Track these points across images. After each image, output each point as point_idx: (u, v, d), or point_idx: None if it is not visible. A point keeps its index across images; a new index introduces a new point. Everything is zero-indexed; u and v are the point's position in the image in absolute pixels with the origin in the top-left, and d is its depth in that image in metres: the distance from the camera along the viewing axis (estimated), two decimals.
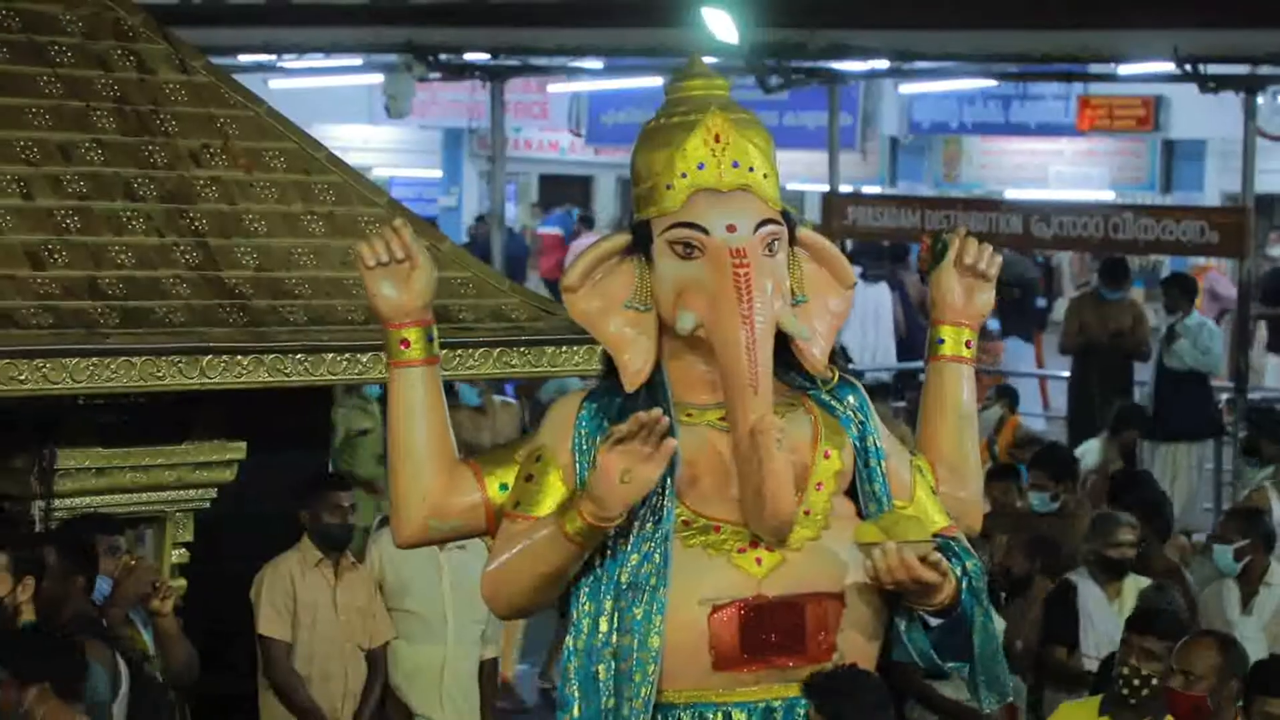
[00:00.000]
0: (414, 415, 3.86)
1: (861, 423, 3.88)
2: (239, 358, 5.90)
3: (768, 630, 3.71)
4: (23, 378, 5.54)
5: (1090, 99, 20.12)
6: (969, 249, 4.04)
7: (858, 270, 18.43)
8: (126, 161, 6.19)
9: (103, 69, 6.35)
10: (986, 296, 4.05)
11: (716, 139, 3.82)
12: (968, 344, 4.06)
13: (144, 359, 5.73)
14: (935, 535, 3.78)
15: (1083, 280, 19.90)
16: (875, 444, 3.88)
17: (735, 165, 3.81)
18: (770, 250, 3.80)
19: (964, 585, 3.77)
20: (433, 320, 3.92)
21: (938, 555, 3.68)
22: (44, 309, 5.71)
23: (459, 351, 6.30)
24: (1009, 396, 12.20)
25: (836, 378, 3.90)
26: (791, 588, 3.72)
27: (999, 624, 6.76)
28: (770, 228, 3.81)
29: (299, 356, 6.00)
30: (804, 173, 20.75)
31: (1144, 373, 12.97)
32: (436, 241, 6.71)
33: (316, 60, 17.24)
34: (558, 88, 21.53)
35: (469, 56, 15.90)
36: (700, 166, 3.80)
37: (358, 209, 6.55)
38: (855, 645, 3.79)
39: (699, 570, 3.73)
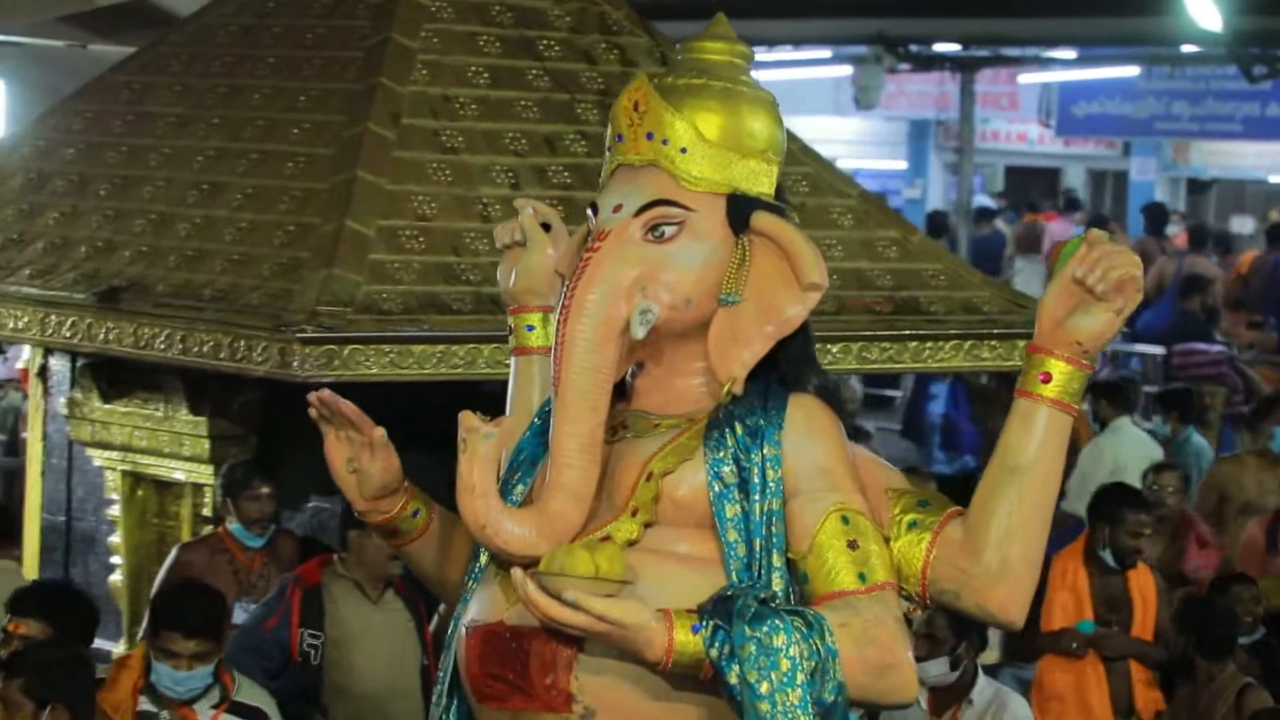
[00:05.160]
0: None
1: (745, 453, 3.12)
2: None
3: (504, 664, 3.13)
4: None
5: None
6: (1086, 256, 3.11)
7: None
8: None
9: (588, 62, 6.55)
10: (1089, 320, 3.11)
11: (635, 107, 3.23)
12: (1043, 377, 3.13)
13: None
14: (824, 596, 3.06)
15: None
16: (764, 479, 3.11)
17: (650, 137, 3.21)
18: (656, 235, 3.18)
19: (714, 654, 2.97)
20: (527, 309, 3.51)
21: (580, 598, 2.96)
22: None
23: (929, 344, 6.33)
24: None
25: (727, 392, 3.16)
26: (527, 619, 3.07)
27: None
28: (662, 209, 3.17)
29: None
30: None
31: None
32: (907, 233, 6.72)
33: (786, 53, 17.43)
34: (1028, 78, 21.23)
35: (938, 47, 15.84)
36: (619, 139, 3.25)
37: (830, 200, 6.59)
38: (607, 700, 3.07)
39: (481, 589, 3.23)
